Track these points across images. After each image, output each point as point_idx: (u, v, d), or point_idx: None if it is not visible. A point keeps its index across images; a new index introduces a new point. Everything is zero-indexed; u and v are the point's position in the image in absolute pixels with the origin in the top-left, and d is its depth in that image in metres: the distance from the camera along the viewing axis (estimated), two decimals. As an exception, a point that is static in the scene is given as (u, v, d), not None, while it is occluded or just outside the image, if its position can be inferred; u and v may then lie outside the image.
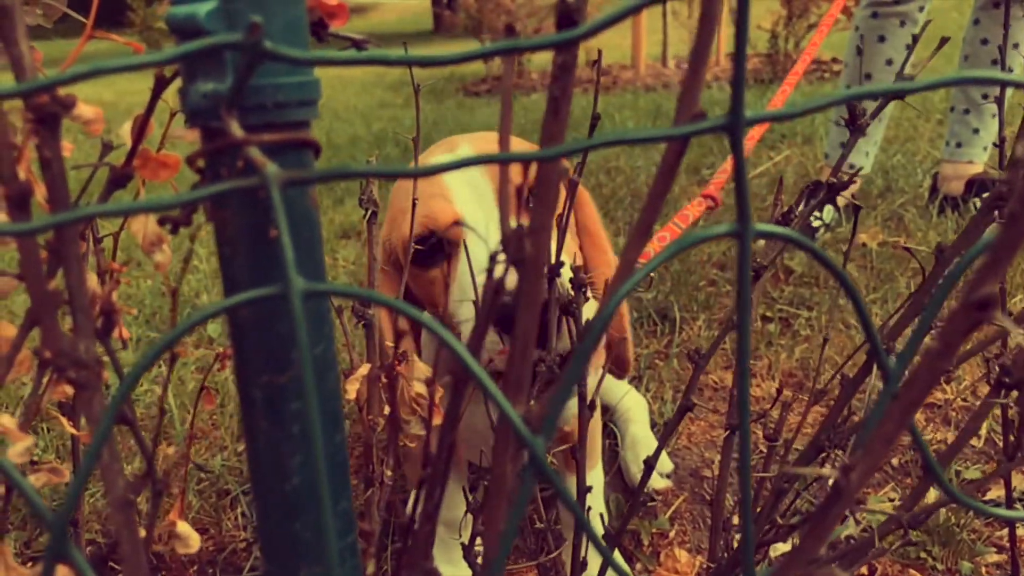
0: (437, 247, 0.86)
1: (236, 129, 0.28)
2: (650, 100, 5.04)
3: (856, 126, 0.62)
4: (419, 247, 0.85)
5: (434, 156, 0.94)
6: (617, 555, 1.20)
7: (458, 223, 0.84)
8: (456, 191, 0.85)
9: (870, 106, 2.09)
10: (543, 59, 7.59)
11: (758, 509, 0.67)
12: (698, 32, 0.28)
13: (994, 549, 1.22)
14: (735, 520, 1.17)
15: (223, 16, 0.29)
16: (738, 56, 0.27)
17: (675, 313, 1.94)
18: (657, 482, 1.41)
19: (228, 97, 0.28)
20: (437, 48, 11.25)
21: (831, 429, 0.58)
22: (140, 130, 0.37)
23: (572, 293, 0.63)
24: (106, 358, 0.39)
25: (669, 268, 2.19)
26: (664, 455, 1.47)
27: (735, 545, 1.02)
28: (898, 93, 0.30)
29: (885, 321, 0.60)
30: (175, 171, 0.39)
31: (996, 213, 0.54)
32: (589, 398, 0.69)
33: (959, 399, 1.59)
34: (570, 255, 0.85)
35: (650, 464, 0.66)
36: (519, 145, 0.92)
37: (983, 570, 1.19)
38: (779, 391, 0.70)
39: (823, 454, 0.59)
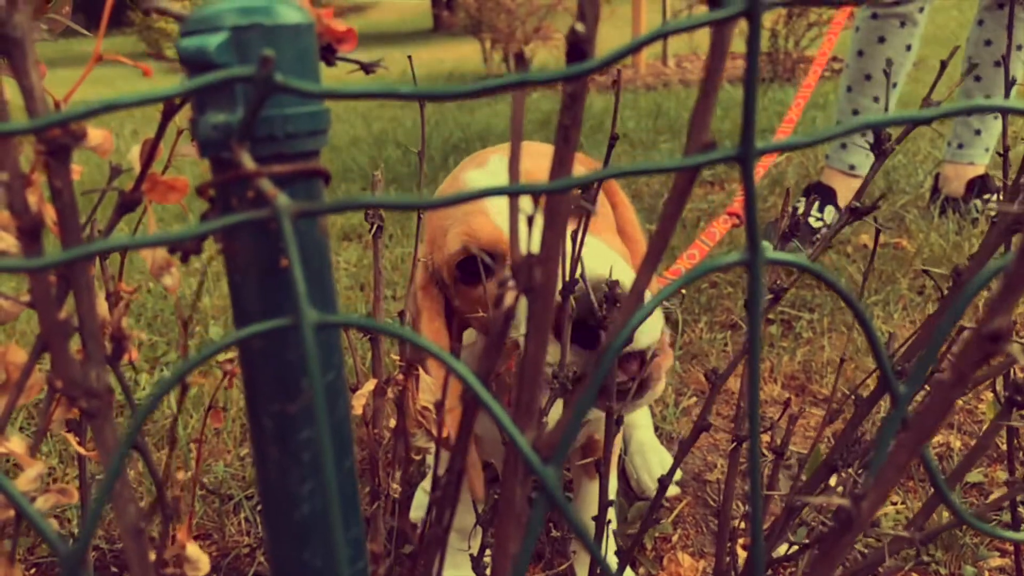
0: (483, 263, 0.84)
1: (247, 161, 0.28)
2: (651, 100, 5.03)
3: (881, 150, 0.62)
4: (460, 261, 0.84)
5: (466, 172, 0.92)
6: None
7: (501, 238, 0.83)
8: (493, 205, 0.84)
9: (870, 111, 2.08)
10: (542, 58, 7.58)
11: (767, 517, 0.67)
12: (707, 62, 0.28)
13: (997, 553, 1.23)
14: (740, 525, 1.17)
15: (233, 47, 0.29)
16: (748, 88, 0.27)
17: (677, 315, 1.94)
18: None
19: (239, 130, 0.28)
20: (436, 47, 11.24)
21: (843, 448, 0.58)
22: (149, 154, 0.37)
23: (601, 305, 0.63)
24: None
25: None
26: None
27: (740, 552, 1.02)
28: (919, 120, 0.30)
29: (900, 345, 0.60)
30: (183, 194, 0.39)
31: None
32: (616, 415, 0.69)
33: (962, 403, 1.59)
34: (616, 259, 0.83)
35: (664, 483, 0.66)
36: (547, 151, 0.91)
37: (986, 574, 1.20)
38: (787, 404, 0.70)
39: (835, 473, 0.59)
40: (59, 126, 0.24)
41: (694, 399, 1.68)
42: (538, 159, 0.84)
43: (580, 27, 0.29)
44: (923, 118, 0.29)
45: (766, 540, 0.64)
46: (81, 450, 0.44)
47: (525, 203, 0.86)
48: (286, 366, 0.31)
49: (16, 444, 0.38)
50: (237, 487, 1.44)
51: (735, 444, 0.74)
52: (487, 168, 0.88)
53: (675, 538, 1.34)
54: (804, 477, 0.72)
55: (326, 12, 0.35)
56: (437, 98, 0.27)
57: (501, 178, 0.85)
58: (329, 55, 0.36)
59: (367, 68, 0.37)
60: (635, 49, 0.26)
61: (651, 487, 1.41)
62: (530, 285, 0.32)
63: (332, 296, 0.32)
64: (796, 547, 0.62)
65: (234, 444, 1.58)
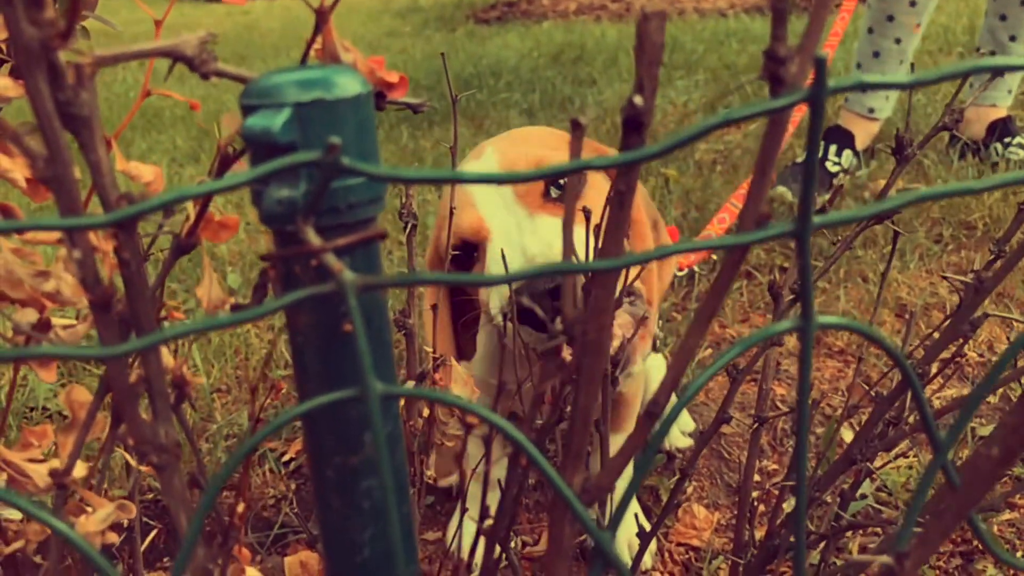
0: (471, 249, 0.93)
1: (313, 237, 0.29)
2: (666, 32, 4.92)
3: (903, 156, 0.62)
4: (456, 252, 0.93)
5: (466, 165, 1.00)
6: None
7: (482, 226, 0.92)
8: (479, 196, 0.93)
9: (891, 54, 2.02)
10: (553, -15, 7.41)
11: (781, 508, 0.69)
12: (764, 139, 0.28)
13: (1007, 509, 1.25)
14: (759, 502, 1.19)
15: (296, 124, 0.29)
16: (808, 166, 0.28)
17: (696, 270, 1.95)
18: (680, 440, 1.44)
19: (304, 207, 0.28)
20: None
21: (863, 443, 0.59)
22: (204, 202, 0.38)
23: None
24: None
25: (687, 216, 2.18)
26: (686, 413, 1.49)
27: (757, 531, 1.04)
28: (970, 191, 0.30)
29: (916, 345, 0.60)
30: (235, 232, 0.39)
31: None
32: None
33: (975, 353, 1.60)
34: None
35: (685, 473, 0.68)
36: (561, 142, 1.00)
37: (995, 528, 1.22)
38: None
39: (854, 465, 0.60)
40: (135, 218, 0.25)
41: (709, 350, 1.70)
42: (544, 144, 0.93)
43: (639, 100, 0.29)
44: (972, 190, 0.29)
45: (783, 529, 0.66)
46: (136, 465, 0.45)
47: (505, 190, 0.93)
48: (348, 423, 0.32)
49: (79, 470, 0.40)
50: (261, 439, 1.47)
51: (756, 425, 0.76)
52: (481, 160, 0.98)
53: (690, 490, 1.37)
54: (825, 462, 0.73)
55: (377, 61, 0.35)
56: (504, 181, 0.27)
57: (492, 167, 0.95)
58: (380, 100, 0.36)
59: (415, 108, 0.37)
60: (696, 137, 0.26)
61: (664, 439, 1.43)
62: (582, 339, 0.33)
63: (390, 357, 0.33)
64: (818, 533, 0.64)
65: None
